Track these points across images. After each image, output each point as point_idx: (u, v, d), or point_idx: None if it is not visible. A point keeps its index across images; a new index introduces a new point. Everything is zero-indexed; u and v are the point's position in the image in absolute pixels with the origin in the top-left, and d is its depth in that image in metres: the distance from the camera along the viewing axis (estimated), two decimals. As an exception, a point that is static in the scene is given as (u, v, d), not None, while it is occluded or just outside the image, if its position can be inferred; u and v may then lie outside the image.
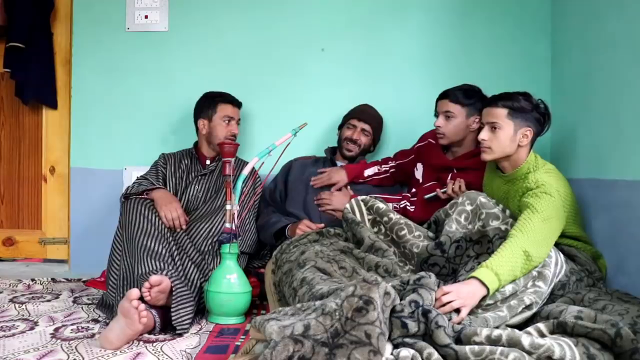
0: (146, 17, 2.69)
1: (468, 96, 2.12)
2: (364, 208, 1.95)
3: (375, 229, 1.92)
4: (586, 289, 1.73)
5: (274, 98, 2.65)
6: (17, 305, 2.00)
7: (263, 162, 2.09)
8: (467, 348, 1.25)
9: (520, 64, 2.56)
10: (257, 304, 2.11)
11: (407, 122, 2.58)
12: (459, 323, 1.43)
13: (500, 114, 1.83)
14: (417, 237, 1.83)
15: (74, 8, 2.72)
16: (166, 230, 1.99)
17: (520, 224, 1.64)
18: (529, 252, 1.56)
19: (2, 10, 2.69)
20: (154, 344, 1.59)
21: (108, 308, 1.91)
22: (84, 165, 2.70)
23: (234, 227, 1.95)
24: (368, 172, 2.40)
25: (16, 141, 2.87)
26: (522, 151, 1.86)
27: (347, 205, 1.97)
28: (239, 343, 1.64)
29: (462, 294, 1.48)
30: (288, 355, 1.14)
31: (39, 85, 2.72)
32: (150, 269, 1.84)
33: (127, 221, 1.98)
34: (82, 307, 2.02)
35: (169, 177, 2.33)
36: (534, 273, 1.59)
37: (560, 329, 1.36)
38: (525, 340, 1.26)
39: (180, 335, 1.70)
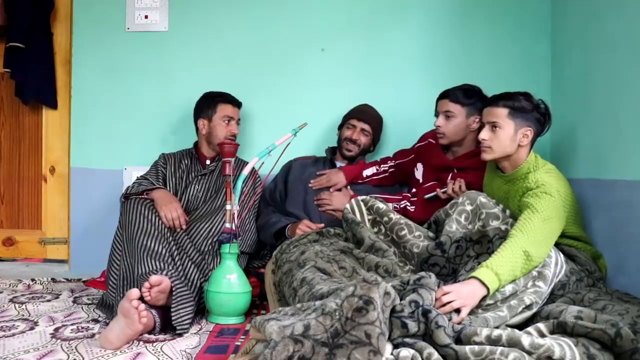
0: (146, 17, 2.69)
1: (468, 96, 2.12)
2: (364, 208, 1.95)
3: (375, 229, 1.92)
4: (586, 289, 1.73)
5: (274, 98, 2.65)
6: (17, 305, 2.00)
7: (263, 162, 2.09)
8: (467, 348, 1.25)
9: (520, 64, 2.56)
10: (257, 304, 2.11)
11: (407, 122, 2.58)
12: (459, 323, 1.43)
13: (500, 113, 1.83)
14: (417, 237, 1.83)
15: (74, 8, 2.72)
16: (166, 230, 1.99)
17: (521, 224, 1.64)
18: (529, 252, 1.56)
19: (2, 10, 2.69)
20: (154, 344, 1.59)
21: (108, 308, 1.91)
22: (84, 165, 2.70)
23: (234, 227, 1.95)
24: (367, 172, 2.40)
25: (16, 141, 2.87)
26: (522, 151, 1.86)
27: (347, 206, 1.97)
28: (239, 343, 1.64)
29: (463, 294, 1.48)
30: (288, 355, 1.14)
31: (39, 85, 2.72)
32: (150, 269, 1.84)
33: (127, 221, 1.98)
34: (82, 307, 2.02)
35: (169, 177, 2.33)
36: (534, 273, 1.59)
37: (560, 329, 1.36)
38: (525, 340, 1.26)
39: (180, 335, 1.70)
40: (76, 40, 2.71)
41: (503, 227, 1.71)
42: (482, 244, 1.74)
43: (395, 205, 2.19)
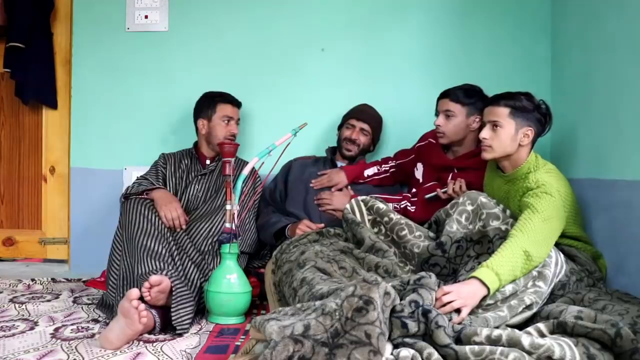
0: (146, 17, 2.69)
1: (469, 95, 2.12)
2: (364, 208, 1.95)
3: (376, 229, 1.92)
4: (586, 289, 1.73)
5: (274, 98, 2.65)
6: (17, 305, 2.00)
7: (263, 162, 2.09)
8: (467, 348, 1.25)
9: (520, 64, 2.56)
10: (257, 304, 2.11)
11: (407, 122, 2.58)
12: (459, 323, 1.43)
13: (501, 112, 1.84)
14: (417, 237, 1.83)
15: (74, 8, 2.72)
16: (166, 230, 1.99)
17: (521, 224, 1.64)
18: (529, 252, 1.56)
19: (2, 10, 2.69)
20: (154, 344, 1.59)
21: (108, 308, 1.91)
22: (84, 165, 2.70)
23: (234, 227, 1.95)
24: (368, 172, 2.40)
25: (16, 141, 2.87)
26: (522, 151, 1.86)
27: (347, 206, 1.97)
28: (239, 343, 1.64)
29: (463, 294, 1.48)
30: (288, 355, 1.14)
31: (39, 85, 2.72)
32: (150, 269, 1.84)
33: (127, 221, 1.98)
34: (82, 307, 2.02)
35: (169, 177, 2.33)
36: (534, 273, 1.59)
37: (560, 329, 1.36)
38: (525, 340, 1.26)
39: (180, 335, 1.70)
40: (76, 40, 2.71)
41: (503, 227, 1.71)
42: (483, 244, 1.74)
43: (396, 205, 2.19)
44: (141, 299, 1.61)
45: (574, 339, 1.31)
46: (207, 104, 2.38)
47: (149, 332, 1.70)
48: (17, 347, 1.54)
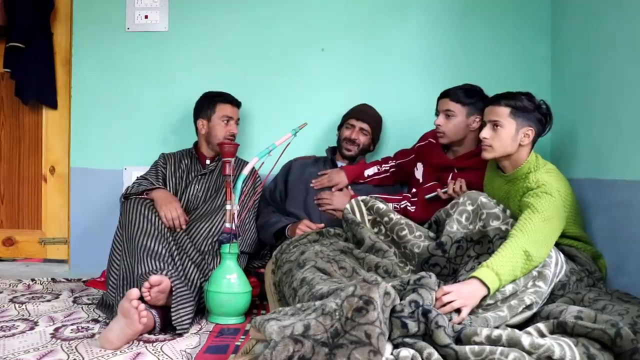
0: (146, 17, 2.69)
1: (469, 95, 2.12)
2: (364, 208, 1.95)
3: (376, 230, 1.92)
4: (586, 289, 1.73)
5: (273, 98, 2.65)
6: (17, 305, 2.00)
7: (263, 162, 2.09)
8: (467, 348, 1.25)
9: (520, 64, 2.56)
10: (257, 304, 2.11)
11: (407, 122, 2.58)
12: (459, 323, 1.43)
13: (502, 112, 1.84)
14: (418, 237, 1.83)
15: (74, 8, 2.72)
16: (166, 230, 1.99)
17: (521, 223, 1.64)
18: (529, 252, 1.56)
19: (2, 10, 2.69)
20: (154, 344, 1.59)
21: (108, 308, 1.91)
22: (84, 165, 2.70)
23: (234, 227, 1.95)
24: (368, 172, 2.40)
25: (16, 141, 2.87)
26: (523, 151, 1.86)
27: (347, 206, 1.97)
28: (239, 343, 1.64)
29: (463, 294, 1.48)
30: (288, 355, 1.14)
31: (39, 85, 2.72)
32: (150, 269, 1.84)
33: (127, 221, 1.98)
34: (82, 307, 2.02)
35: (168, 177, 2.33)
36: (534, 273, 1.59)
37: (560, 329, 1.36)
38: (525, 340, 1.26)
39: (180, 335, 1.70)
40: (76, 40, 2.71)
41: (503, 227, 1.71)
42: (483, 244, 1.74)
43: (396, 205, 2.19)
44: (141, 299, 1.61)
45: (574, 339, 1.31)
46: (207, 104, 2.38)
47: (149, 332, 1.70)
48: (17, 347, 1.54)
